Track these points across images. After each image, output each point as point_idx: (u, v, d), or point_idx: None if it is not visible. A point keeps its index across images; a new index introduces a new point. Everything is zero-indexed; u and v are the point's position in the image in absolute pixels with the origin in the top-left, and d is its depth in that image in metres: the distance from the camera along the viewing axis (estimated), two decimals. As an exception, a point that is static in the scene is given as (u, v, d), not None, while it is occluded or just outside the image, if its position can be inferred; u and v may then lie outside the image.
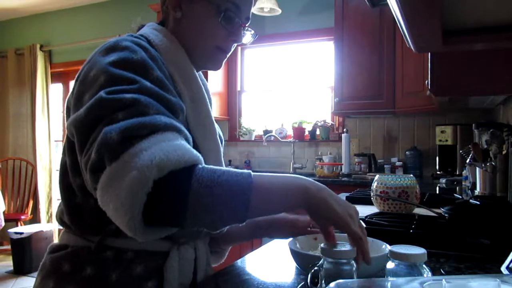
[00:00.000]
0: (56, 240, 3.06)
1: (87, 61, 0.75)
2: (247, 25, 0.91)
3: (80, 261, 0.75)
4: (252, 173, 0.65)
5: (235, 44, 0.91)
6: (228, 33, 0.87)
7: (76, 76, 0.75)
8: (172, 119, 0.67)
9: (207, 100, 0.87)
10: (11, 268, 3.79)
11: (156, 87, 0.69)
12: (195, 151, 0.65)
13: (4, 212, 3.47)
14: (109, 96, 0.64)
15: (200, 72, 0.99)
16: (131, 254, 0.76)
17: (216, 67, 0.92)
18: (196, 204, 0.60)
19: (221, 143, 1.04)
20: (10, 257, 3.86)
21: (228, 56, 0.92)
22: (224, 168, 0.66)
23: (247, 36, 0.94)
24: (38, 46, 4.72)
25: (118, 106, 0.63)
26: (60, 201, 0.83)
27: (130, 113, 0.62)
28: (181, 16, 0.86)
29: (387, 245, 0.80)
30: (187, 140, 0.68)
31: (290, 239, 0.86)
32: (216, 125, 1.06)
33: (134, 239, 0.76)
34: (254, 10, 3.43)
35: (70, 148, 0.76)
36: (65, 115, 0.81)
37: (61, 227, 0.84)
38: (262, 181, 0.65)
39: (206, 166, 0.65)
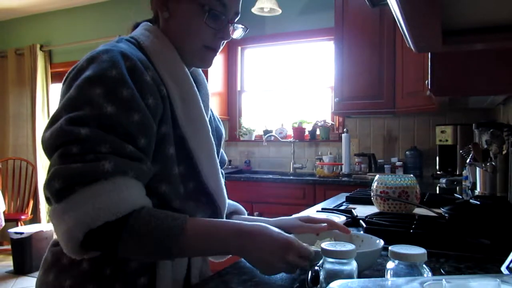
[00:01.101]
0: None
1: (74, 67, 0.77)
2: (236, 20, 0.90)
3: (82, 277, 0.78)
4: (188, 220, 0.71)
5: (225, 42, 0.91)
6: (215, 31, 0.86)
7: (66, 76, 0.78)
8: (121, 160, 0.69)
9: (199, 99, 0.87)
10: (11, 268, 3.79)
11: (120, 110, 0.70)
12: (134, 198, 0.69)
13: (4, 212, 3.47)
14: (67, 128, 0.68)
15: (200, 71, 1.00)
16: None
17: (205, 66, 0.92)
18: (126, 250, 0.69)
19: (220, 138, 1.04)
20: (10, 257, 3.86)
21: (217, 53, 0.91)
22: (160, 215, 0.71)
23: (238, 31, 0.93)
24: (38, 46, 4.71)
25: (73, 140, 0.67)
26: None
27: (82, 149, 0.67)
28: (168, 16, 0.87)
29: (381, 241, 0.81)
30: (138, 176, 0.71)
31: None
32: (218, 123, 1.06)
33: None
34: (254, 10, 3.43)
35: None
36: None
37: None
38: (192, 231, 0.71)
39: (144, 211, 0.70)
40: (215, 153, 0.89)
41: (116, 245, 0.68)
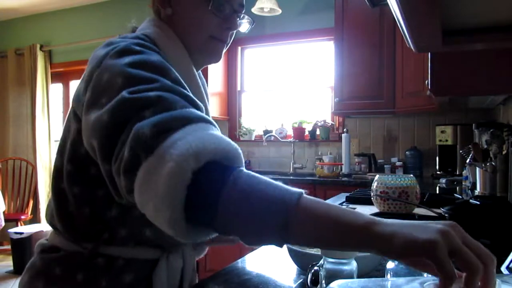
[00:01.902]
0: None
1: (95, 65, 0.69)
2: (242, 12, 0.88)
3: (72, 266, 0.75)
4: (304, 195, 0.53)
5: (233, 34, 0.88)
6: (221, 21, 0.84)
7: (83, 82, 0.70)
8: (202, 113, 0.63)
9: (206, 101, 0.86)
10: (11, 268, 3.79)
11: (177, 85, 0.66)
12: (232, 142, 0.59)
13: (4, 212, 3.47)
14: (132, 96, 0.59)
15: (200, 71, 0.98)
16: (122, 262, 0.76)
17: (215, 59, 0.88)
18: (228, 207, 0.53)
19: None
20: (10, 257, 3.86)
21: (227, 46, 0.88)
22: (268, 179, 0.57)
23: (244, 25, 0.91)
24: (38, 46, 4.71)
25: (143, 105, 0.59)
26: (49, 201, 0.81)
27: (157, 110, 0.58)
28: (171, 13, 0.84)
29: None
30: (215, 126, 0.64)
31: None
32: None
33: (126, 246, 0.74)
34: (254, 10, 3.43)
35: (74, 155, 0.74)
36: (66, 120, 0.78)
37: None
38: (312, 205, 0.52)
39: (248, 171, 0.58)
40: None
41: (216, 200, 0.53)
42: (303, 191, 0.54)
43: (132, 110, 0.59)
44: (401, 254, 0.46)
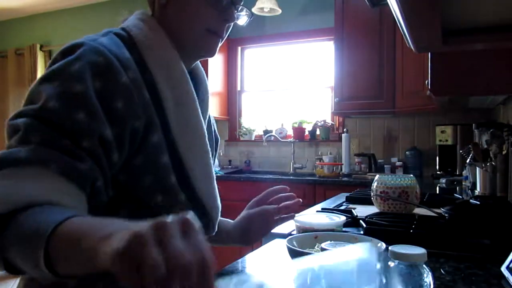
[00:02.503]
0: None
1: (55, 54, 0.71)
2: (240, 4, 0.84)
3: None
4: (68, 219, 0.51)
5: (229, 27, 0.84)
6: (217, 12, 0.80)
7: None
8: (48, 151, 0.59)
9: (196, 103, 0.81)
10: (11, 268, 3.79)
11: (66, 105, 0.62)
12: (35, 192, 0.57)
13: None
14: (10, 122, 0.64)
15: (201, 66, 0.94)
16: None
17: (210, 53, 0.84)
18: (5, 253, 0.55)
19: (217, 143, 1.00)
20: (10, 257, 3.86)
21: (222, 40, 0.84)
22: (46, 211, 0.55)
23: (243, 18, 0.88)
24: (38, 46, 4.71)
25: (12, 132, 0.63)
26: None
27: (17, 140, 0.61)
28: (165, 2, 0.81)
29: (383, 244, 0.81)
30: (64, 173, 0.59)
31: (289, 237, 0.86)
32: (213, 125, 0.99)
33: None
34: (254, 10, 3.43)
35: None
36: None
37: None
38: (68, 229, 0.50)
39: (37, 209, 0.55)
40: (211, 162, 0.84)
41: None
42: (70, 215, 0.52)
43: (8, 135, 0.64)
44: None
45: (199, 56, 0.88)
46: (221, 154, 3.99)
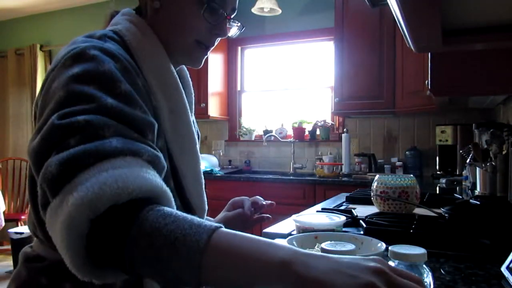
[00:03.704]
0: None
1: (53, 67, 0.67)
2: (232, 16, 0.83)
3: (58, 275, 0.71)
4: (218, 229, 0.49)
5: (219, 39, 0.83)
6: (211, 26, 0.79)
7: (43, 82, 0.68)
8: (131, 141, 0.58)
9: (188, 110, 0.81)
10: (11, 268, 3.79)
11: (121, 103, 0.61)
12: (150, 179, 0.54)
13: (4, 212, 3.47)
14: (60, 122, 0.56)
15: (186, 69, 0.93)
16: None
17: (196, 65, 0.84)
18: (133, 254, 0.49)
19: (199, 139, 0.99)
20: (10, 257, 3.86)
21: (209, 52, 0.84)
22: (183, 214, 0.52)
23: (233, 29, 0.87)
24: (38, 46, 4.72)
25: (69, 132, 0.55)
26: (30, 210, 0.75)
27: (82, 138, 0.54)
28: (159, 6, 0.78)
29: (383, 244, 0.81)
30: (153, 162, 0.59)
31: (289, 237, 0.86)
32: (194, 123, 0.97)
33: None
34: (254, 10, 3.43)
35: None
36: (33, 122, 0.73)
37: None
38: (222, 241, 0.48)
39: (161, 208, 0.53)
40: (200, 168, 0.85)
41: (121, 249, 0.50)
42: (218, 226, 0.50)
43: (58, 137, 0.56)
44: None
45: (184, 64, 0.88)
46: (221, 154, 3.99)
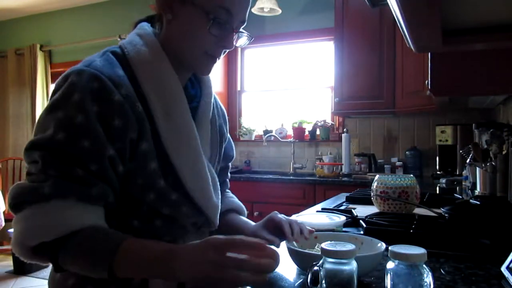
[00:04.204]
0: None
1: (59, 80, 0.78)
2: (241, 28, 0.88)
3: (83, 279, 0.80)
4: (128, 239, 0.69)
5: (226, 51, 0.89)
6: (217, 40, 0.84)
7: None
8: (66, 183, 0.71)
9: (184, 111, 0.85)
10: (11, 268, 3.79)
11: (71, 136, 0.71)
12: (71, 220, 0.71)
13: (4, 212, 3.46)
14: (27, 153, 0.74)
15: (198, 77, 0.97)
16: None
17: (204, 73, 0.90)
18: (67, 267, 0.73)
19: (222, 139, 1.02)
20: (10, 257, 3.86)
21: (217, 60, 0.89)
22: (98, 235, 0.71)
23: (242, 39, 0.91)
24: (38, 46, 4.71)
25: (30, 161, 0.74)
26: None
27: (37, 170, 0.72)
28: (171, 18, 0.84)
29: (383, 244, 0.81)
30: (86, 197, 0.72)
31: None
32: (222, 120, 1.04)
33: None
34: (254, 10, 3.43)
35: None
36: None
37: None
38: (130, 246, 0.68)
39: (86, 232, 0.71)
40: (204, 164, 0.88)
41: (57, 262, 0.73)
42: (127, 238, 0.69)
43: (27, 161, 0.76)
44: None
45: (194, 71, 0.92)
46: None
